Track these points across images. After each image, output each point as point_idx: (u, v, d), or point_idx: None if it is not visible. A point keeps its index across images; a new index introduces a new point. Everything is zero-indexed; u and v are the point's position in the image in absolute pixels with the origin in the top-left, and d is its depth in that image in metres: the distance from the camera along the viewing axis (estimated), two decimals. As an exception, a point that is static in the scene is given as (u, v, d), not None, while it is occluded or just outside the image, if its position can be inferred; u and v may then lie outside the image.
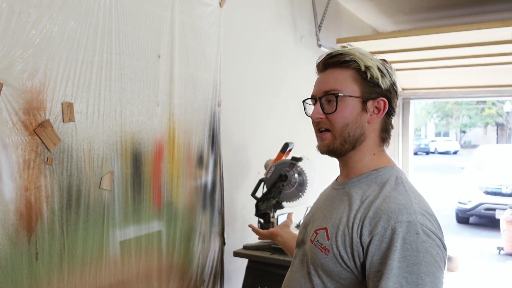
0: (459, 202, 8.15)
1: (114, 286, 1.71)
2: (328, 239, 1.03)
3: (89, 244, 1.61)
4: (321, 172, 2.77)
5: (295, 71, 3.30)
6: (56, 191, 1.49)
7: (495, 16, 4.40)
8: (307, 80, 3.45)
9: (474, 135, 28.46)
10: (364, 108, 1.07)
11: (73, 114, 1.54)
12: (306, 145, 3.30)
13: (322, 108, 1.08)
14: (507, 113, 20.68)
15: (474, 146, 23.20)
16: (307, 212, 1.29)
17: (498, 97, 11.45)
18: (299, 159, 2.29)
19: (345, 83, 1.07)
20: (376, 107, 1.08)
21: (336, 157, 1.12)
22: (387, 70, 1.10)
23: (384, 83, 1.08)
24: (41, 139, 1.43)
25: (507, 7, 4.13)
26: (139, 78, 1.81)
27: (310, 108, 1.14)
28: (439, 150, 26.07)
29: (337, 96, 1.06)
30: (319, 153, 1.12)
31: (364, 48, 3.57)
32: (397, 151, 5.28)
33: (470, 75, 5.28)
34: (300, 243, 1.20)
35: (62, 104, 1.50)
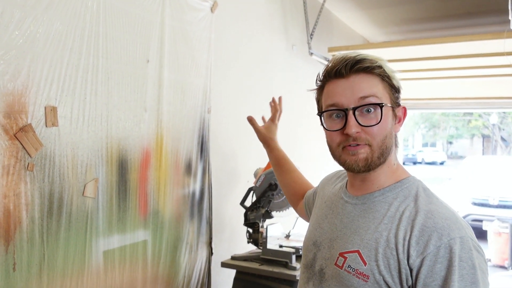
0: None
1: (96, 298, 1.64)
2: (365, 263, 0.94)
3: (71, 254, 1.54)
4: (311, 181, 2.73)
5: (286, 79, 3.27)
6: (37, 199, 1.42)
7: (486, 28, 4.44)
8: (298, 87, 3.43)
9: (461, 146, 28.76)
10: (394, 117, 1.01)
11: (56, 118, 1.48)
12: (297, 153, 3.26)
13: (357, 120, 0.96)
14: (493, 125, 20.95)
15: (461, 157, 23.43)
16: (310, 221, 1.20)
17: (486, 109, 11.60)
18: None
19: (380, 91, 0.98)
20: (396, 115, 1.02)
21: (361, 172, 1.01)
22: None
23: (401, 90, 1.03)
24: (22, 144, 1.37)
25: (498, 20, 4.17)
26: (126, 82, 1.76)
27: (330, 121, 1.01)
28: (426, 160, 26.28)
29: (382, 106, 0.96)
30: (350, 170, 1.00)
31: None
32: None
33: (459, 87, 5.31)
34: (311, 264, 1.08)
35: (45, 108, 1.44)
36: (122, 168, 1.75)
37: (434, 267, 0.87)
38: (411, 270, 0.89)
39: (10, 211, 1.34)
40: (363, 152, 0.97)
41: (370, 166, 0.98)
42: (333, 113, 1.00)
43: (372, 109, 0.96)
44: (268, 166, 2.34)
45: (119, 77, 1.72)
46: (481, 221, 7.09)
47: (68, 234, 1.53)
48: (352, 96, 0.97)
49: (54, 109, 1.47)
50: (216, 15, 2.29)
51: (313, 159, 3.45)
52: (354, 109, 0.96)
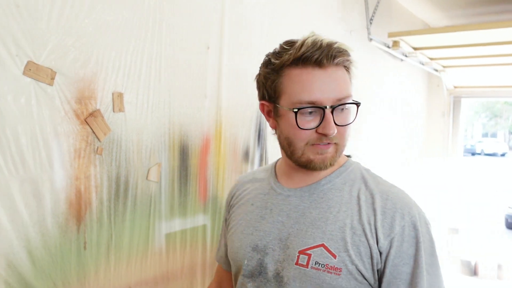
0: (509, 207, 7.79)
1: (159, 279, 1.70)
2: (335, 256, 0.89)
3: (136, 236, 1.60)
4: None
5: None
6: (105, 181, 1.48)
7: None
8: (356, 75, 3.35)
9: (525, 137, 27.15)
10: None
11: (123, 104, 1.53)
12: (352, 143, 3.20)
13: (334, 119, 0.91)
14: (562, 114, 19.57)
15: (525, 149, 22.11)
16: (234, 230, 1.07)
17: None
18: (348, 157, 2.20)
19: (350, 87, 0.95)
20: None
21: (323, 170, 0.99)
22: None
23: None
24: (91, 129, 1.43)
25: None
26: (188, 69, 1.78)
27: (301, 117, 0.91)
28: (486, 151, 25.02)
29: (358, 106, 0.93)
30: (313, 169, 0.95)
31: (414, 43, 3.45)
32: (446, 152, 5.07)
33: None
34: (258, 271, 0.98)
35: (112, 94, 1.49)
36: (183, 153, 1.78)
37: (401, 247, 0.88)
38: (380, 253, 0.88)
39: (81, 192, 1.41)
40: (330, 152, 0.93)
41: (333, 164, 0.96)
42: (307, 110, 0.91)
43: (348, 107, 0.93)
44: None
45: (181, 64, 1.74)
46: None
47: (134, 216, 1.59)
48: (331, 94, 0.90)
49: (120, 95, 1.52)
50: (273, 0, 2.26)
51: (381, 144, 3.38)
52: (333, 108, 0.90)
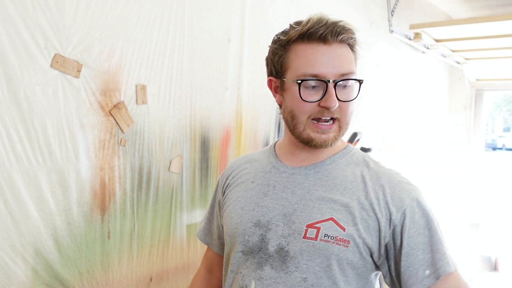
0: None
1: (180, 269, 1.73)
2: (344, 229, 0.92)
3: (157, 226, 1.62)
4: (391, 164, 2.64)
5: (364, 58, 3.17)
6: (128, 172, 1.51)
7: None
8: (377, 67, 3.32)
9: (548, 131, 26.52)
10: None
11: (146, 96, 1.54)
12: (374, 135, 3.18)
13: (336, 94, 0.92)
14: None
15: (548, 144, 21.60)
16: (232, 207, 1.05)
17: None
18: (368, 150, 2.19)
19: (354, 66, 0.97)
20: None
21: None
22: None
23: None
24: (115, 120, 1.45)
25: None
26: (209, 62, 1.79)
27: (304, 91, 0.93)
28: (508, 146, 24.53)
29: (361, 83, 0.95)
30: (315, 147, 0.96)
31: (436, 35, 3.37)
32: (467, 146, 4.98)
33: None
34: (259, 247, 0.97)
35: (136, 86, 1.51)
36: (204, 145, 1.79)
37: (414, 218, 0.92)
38: (394, 226, 0.91)
39: (106, 183, 1.43)
40: (333, 131, 0.95)
41: (335, 143, 0.97)
42: (310, 83, 0.93)
43: (350, 84, 0.94)
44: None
45: (202, 57, 1.75)
46: None
47: (155, 207, 1.61)
48: (334, 69, 0.92)
49: (144, 88, 1.53)
50: (295, -7, 2.25)
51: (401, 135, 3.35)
52: (336, 82, 0.92)
